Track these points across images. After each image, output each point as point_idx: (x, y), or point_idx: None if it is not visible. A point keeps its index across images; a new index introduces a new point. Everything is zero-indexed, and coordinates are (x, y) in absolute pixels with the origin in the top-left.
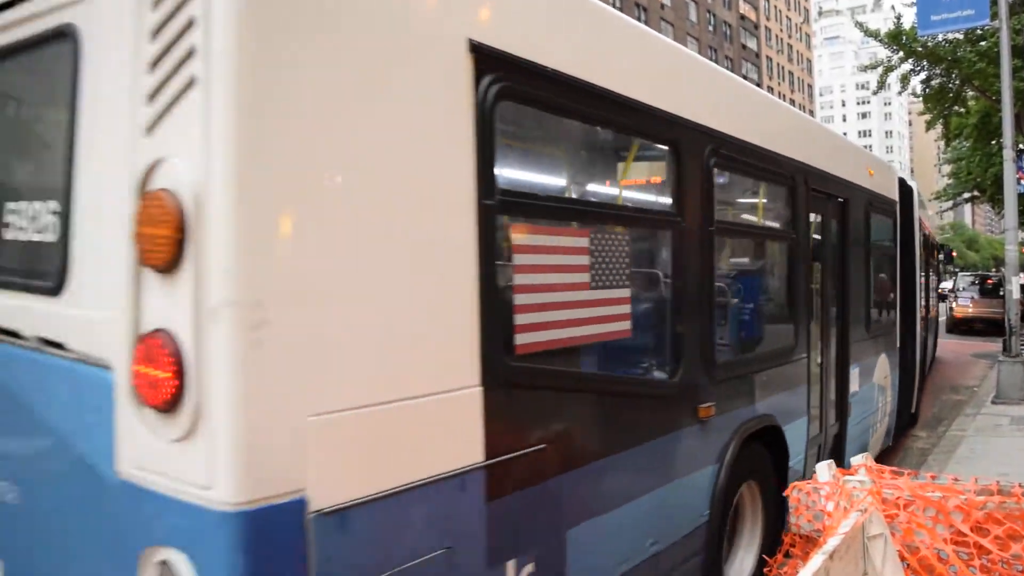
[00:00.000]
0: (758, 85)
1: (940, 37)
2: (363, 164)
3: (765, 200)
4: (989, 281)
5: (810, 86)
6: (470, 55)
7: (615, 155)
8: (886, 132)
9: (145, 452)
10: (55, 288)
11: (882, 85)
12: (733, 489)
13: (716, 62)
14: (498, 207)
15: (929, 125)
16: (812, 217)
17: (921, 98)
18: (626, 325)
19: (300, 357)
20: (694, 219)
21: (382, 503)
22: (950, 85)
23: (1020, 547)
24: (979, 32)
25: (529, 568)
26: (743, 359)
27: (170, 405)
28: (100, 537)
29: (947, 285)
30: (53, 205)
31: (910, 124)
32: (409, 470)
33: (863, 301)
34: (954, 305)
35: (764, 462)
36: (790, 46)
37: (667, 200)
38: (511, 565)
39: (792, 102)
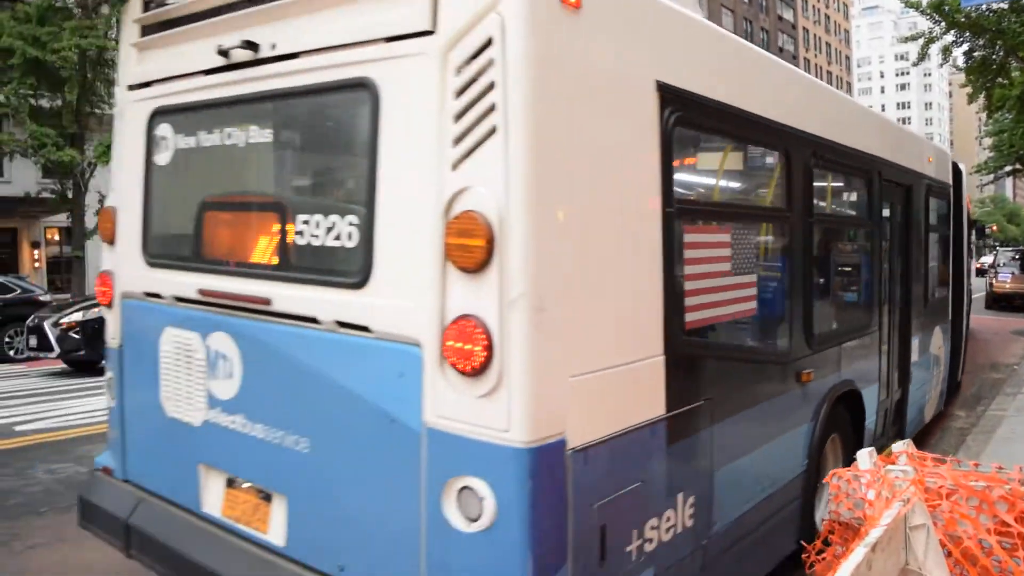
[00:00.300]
0: (794, 57)
1: (984, 7)
2: (598, 187)
3: (850, 192)
4: None
5: (848, 57)
6: (656, 92)
7: (754, 164)
8: (926, 104)
9: (450, 406)
10: (359, 283)
11: (923, 57)
12: (823, 443)
13: (752, 33)
14: (675, 214)
15: (972, 98)
16: (884, 204)
17: (963, 70)
18: (753, 305)
19: (564, 335)
20: (798, 212)
21: (606, 444)
22: (994, 56)
23: None
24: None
25: (691, 500)
26: (833, 332)
27: (478, 371)
28: (406, 475)
29: (986, 260)
30: (352, 219)
31: (950, 96)
32: (622, 419)
33: (923, 279)
34: (993, 281)
35: (845, 421)
36: (827, 16)
37: (781, 197)
38: (680, 498)
39: (829, 74)
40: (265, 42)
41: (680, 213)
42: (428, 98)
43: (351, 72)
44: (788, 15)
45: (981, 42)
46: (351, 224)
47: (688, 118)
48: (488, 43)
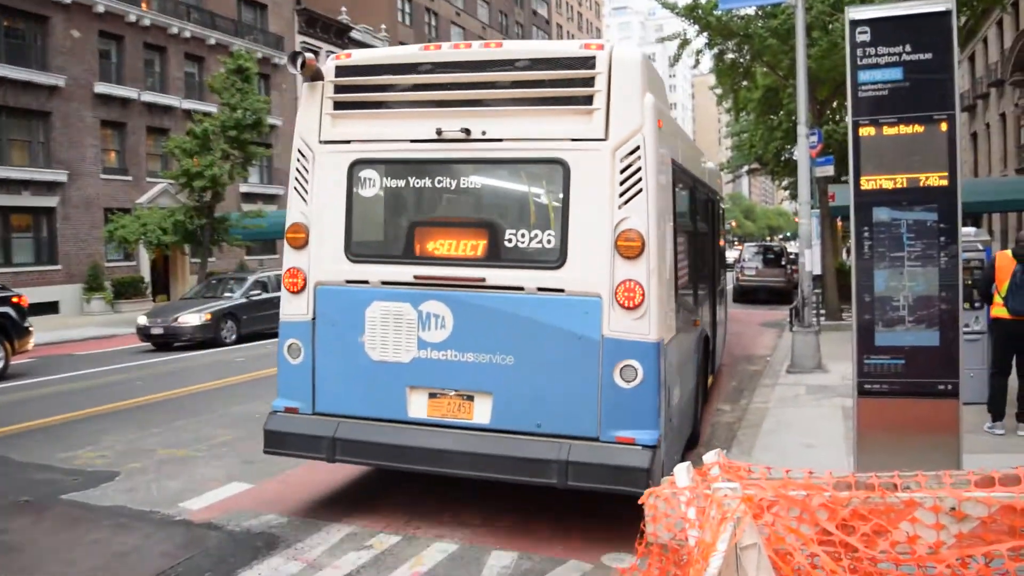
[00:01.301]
0: None
1: (733, 12)
2: (667, 215)
3: (703, 211)
4: (772, 251)
5: None
6: (672, 166)
7: (687, 199)
8: (671, 104)
9: (618, 325)
10: (558, 265)
11: (678, 59)
12: (704, 351)
13: (507, 27)
14: (675, 229)
15: (721, 98)
16: (708, 214)
17: (713, 72)
18: (689, 278)
19: (667, 290)
20: (698, 228)
21: (668, 343)
22: (741, 60)
23: (887, 543)
24: (769, 9)
25: (676, 365)
26: (703, 295)
27: (636, 307)
28: (589, 364)
29: (732, 254)
30: (551, 232)
31: (692, 97)
32: (669, 334)
33: (720, 268)
34: (740, 275)
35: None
36: (580, 14)
37: (692, 217)
38: (676, 362)
39: None
40: (475, 128)
41: (678, 230)
42: (603, 172)
43: (547, 154)
44: (543, 10)
45: (730, 45)
46: (549, 235)
47: (677, 177)
48: (637, 148)
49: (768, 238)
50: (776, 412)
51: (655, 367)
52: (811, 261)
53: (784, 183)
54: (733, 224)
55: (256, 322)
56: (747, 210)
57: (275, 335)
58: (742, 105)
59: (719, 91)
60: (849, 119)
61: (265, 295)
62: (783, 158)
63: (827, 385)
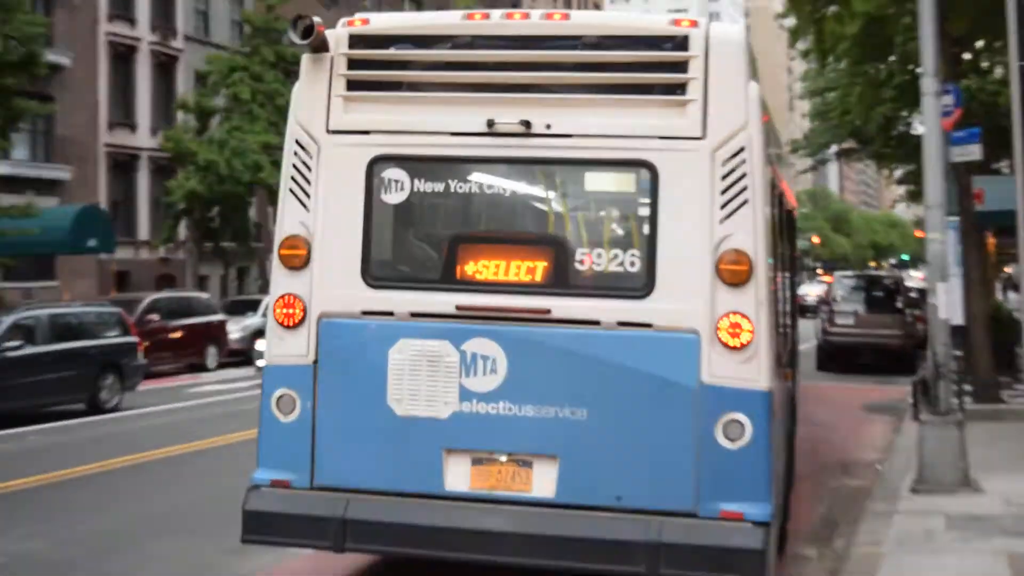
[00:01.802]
0: None
1: None
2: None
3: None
4: (880, 287)
5: None
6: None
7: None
8: None
9: (721, 369)
10: (644, 294)
11: None
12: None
13: None
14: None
15: (794, 35)
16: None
17: None
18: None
19: (771, 336)
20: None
21: (773, 391)
22: None
23: None
24: None
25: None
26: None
27: (743, 346)
28: (684, 418)
29: (808, 290)
30: (634, 251)
31: (747, 30)
32: (775, 382)
33: (794, 304)
34: (828, 326)
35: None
36: None
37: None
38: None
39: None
40: (539, 122)
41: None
42: (701, 178)
43: (630, 154)
44: None
45: None
46: (633, 255)
47: (774, 185)
48: (742, 149)
49: (873, 264)
50: (896, 563)
51: (766, 422)
52: (948, 303)
53: (898, 173)
54: (814, 240)
55: (14, 395)
56: (837, 217)
57: (52, 416)
58: (829, 46)
59: (791, 23)
60: (1013, 64)
61: (31, 349)
62: (895, 132)
63: (982, 515)
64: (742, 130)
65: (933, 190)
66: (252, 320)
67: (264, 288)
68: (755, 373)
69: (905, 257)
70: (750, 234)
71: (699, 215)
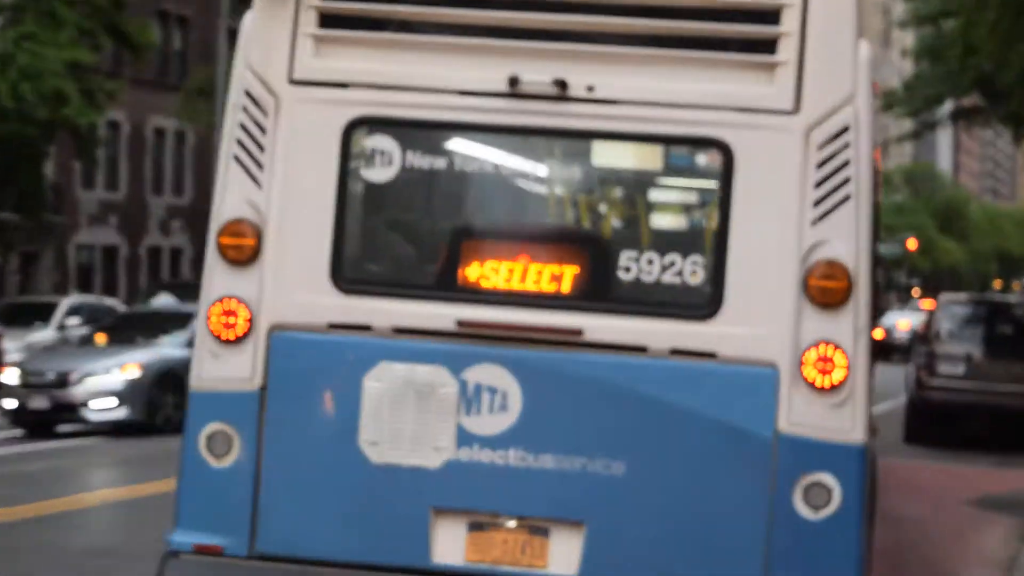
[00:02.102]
0: None
1: None
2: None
3: None
4: (1009, 319)
5: None
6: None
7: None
8: None
9: (805, 415)
10: (708, 313)
11: None
12: None
13: None
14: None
15: None
16: None
17: None
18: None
19: (868, 375)
20: None
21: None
22: None
23: None
24: None
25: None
26: None
27: (835, 387)
28: (754, 477)
29: (903, 320)
30: (696, 258)
31: None
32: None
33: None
34: (925, 376)
35: None
36: None
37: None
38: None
39: None
40: (577, 83)
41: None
42: (791, 166)
43: (696, 130)
44: None
45: None
46: (694, 263)
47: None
48: (846, 129)
49: (997, 285)
50: None
51: (860, 485)
52: None
53: None
54: (909, 246)
55: None
56: (947, 211)
57: None
58: None
59: None
60: None
61: None
62: None
63: None
64: (847, 104)
65: None
66: (41, 335)
67: (62, 287)
68: (849, 422)
69: None
70: (851, 241)
71: (785, 213)
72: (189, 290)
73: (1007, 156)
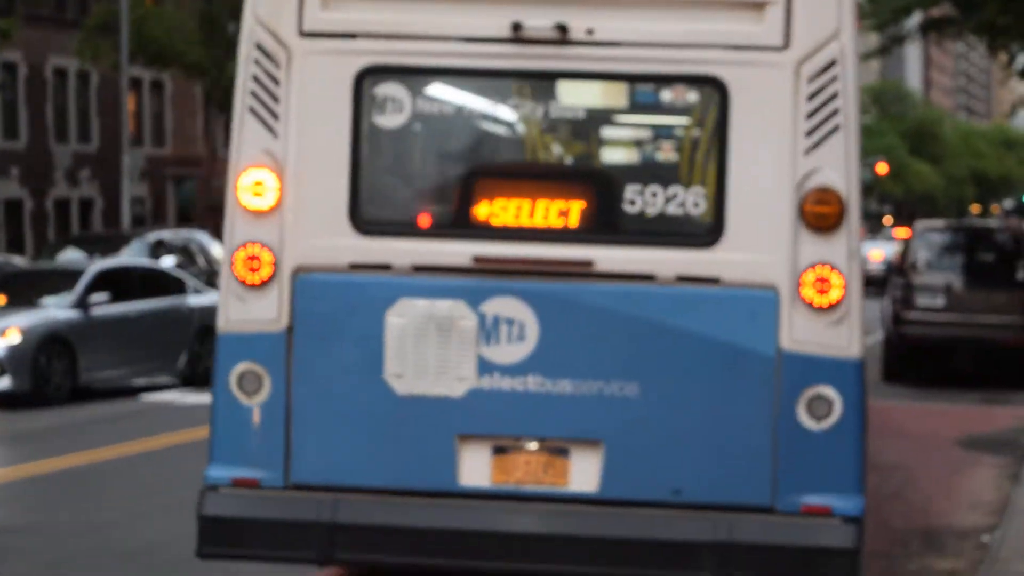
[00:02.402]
0: None
1: None
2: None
3: None
4: (989, 245)
5: None
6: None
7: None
8: None
9: (805, 333)
10: (711, 241)
11: None
12: None
13: None
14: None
15: None
16: None
17: None
18: None
19: (861, 294)
20: None
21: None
22: None
23: None
24: None
25: None
26: None
27: (833, 305)
28: (759, 393)
29: (877, 251)
30: (698, 189)
31: None
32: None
33: None
34: (904, 309)
35: None
36: None
37: None
38: None
39: None
40: (578, 26)
41: None
42: (783, 99)
43: (693, 68)
44: None
45: None
46: (697, 194)
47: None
48: (833, 62)
49: (975, 210)
50: None
51: (859, 397)
52: None
53: (1019, 59)
54: (879, 170)
55: None
56: (919, 131)
57: None
58: None
59: None
60: None
61: None
62: None
63: None
64: (834, 39)
65: None
66: None
67: None
68: (846, 339)
69: None
70: (842, 168)
71: (779, 144)
72: (100, 244)
73: (981, 71)
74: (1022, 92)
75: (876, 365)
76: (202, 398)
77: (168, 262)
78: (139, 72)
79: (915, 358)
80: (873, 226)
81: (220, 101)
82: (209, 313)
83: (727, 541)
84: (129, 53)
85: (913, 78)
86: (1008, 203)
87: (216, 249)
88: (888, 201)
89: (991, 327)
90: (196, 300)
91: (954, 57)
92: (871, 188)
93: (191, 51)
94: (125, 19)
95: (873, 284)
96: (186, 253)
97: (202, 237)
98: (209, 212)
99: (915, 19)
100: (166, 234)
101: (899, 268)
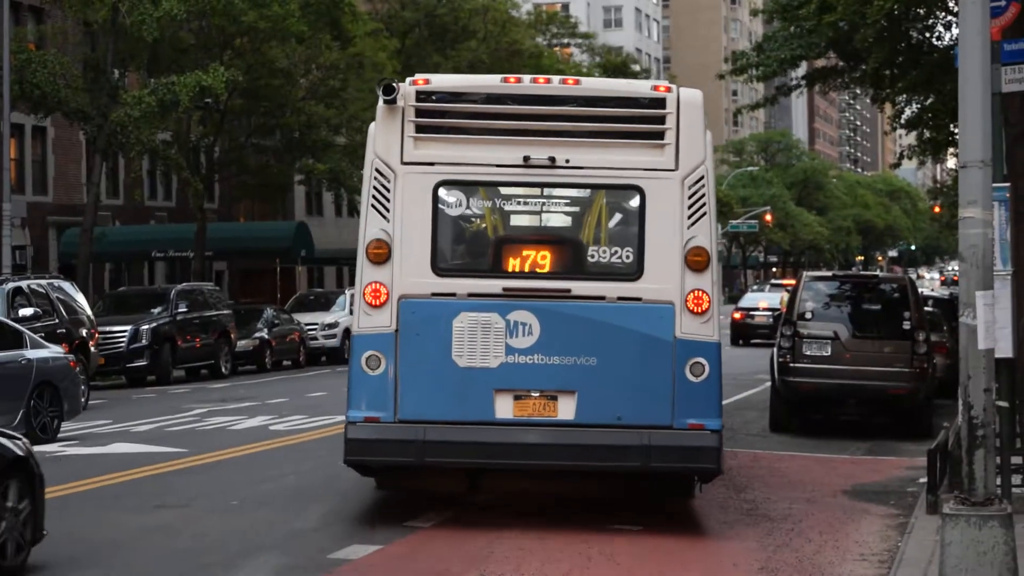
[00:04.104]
0: None
1: None
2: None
3: None
4: (878, 294)
5: None
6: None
7: None
8: None
9: (687, 328)
10: (635, 278)
11: None
12: None
13: None
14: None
15: None
16: None
17: None
18: None
19: (718, 305)
20: None
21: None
22: None
23: None
24: None
25: None
26: None
27: (703, 312)
28: (664, 362)
29: (763, 300)
30: (629, 248)
31: None
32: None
33: None
34: (791, 360)
35: None
36: None
37: None
38: None
39: None
40: (560, 158)
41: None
42: (675, 198)
43: (626, 181)
44: None
45: None
46: (628, 251)
47: None
48: (702, 176)
49: (860, 259)
50: None
51: (718, 363)
52: (991, 324)
53: (908, 110)
54: (766, 219)
55: None
56: (805, 182)
57: None
58: None
59: None
60: None
61: None
62: (903, 43)
63: None
64: (701, 164)
65: (971, 138)
66: None
67: None
68: (711, 331)
69: (908, 245)
70: (708, 236)
71: (673, 223)
72: None
73: (867, 120)
74: (907, 143)
75: (764, 415)
76: (42, 449)
77: (26, 312)
78: (21, 118)
79: (802, 408)
80: (757, 276)
81: (104, 148)
82: (49, 368)
83: (648, 444)
84: (11, 99)
85: (799, 128)
86: (893, 253)
87: (81, 298)
88: (774, 251)
89: (877, 377)
90: (34, 354)
91: (839, 107)
92: (757, 237)
93: (75, 97)
94: (7, 64)
95: (760, 334)
96: (47, 302)
97: (66, 286)
98: (92, 260)
99: (801, 70)
100: (25, 283)
101: (786, 318)
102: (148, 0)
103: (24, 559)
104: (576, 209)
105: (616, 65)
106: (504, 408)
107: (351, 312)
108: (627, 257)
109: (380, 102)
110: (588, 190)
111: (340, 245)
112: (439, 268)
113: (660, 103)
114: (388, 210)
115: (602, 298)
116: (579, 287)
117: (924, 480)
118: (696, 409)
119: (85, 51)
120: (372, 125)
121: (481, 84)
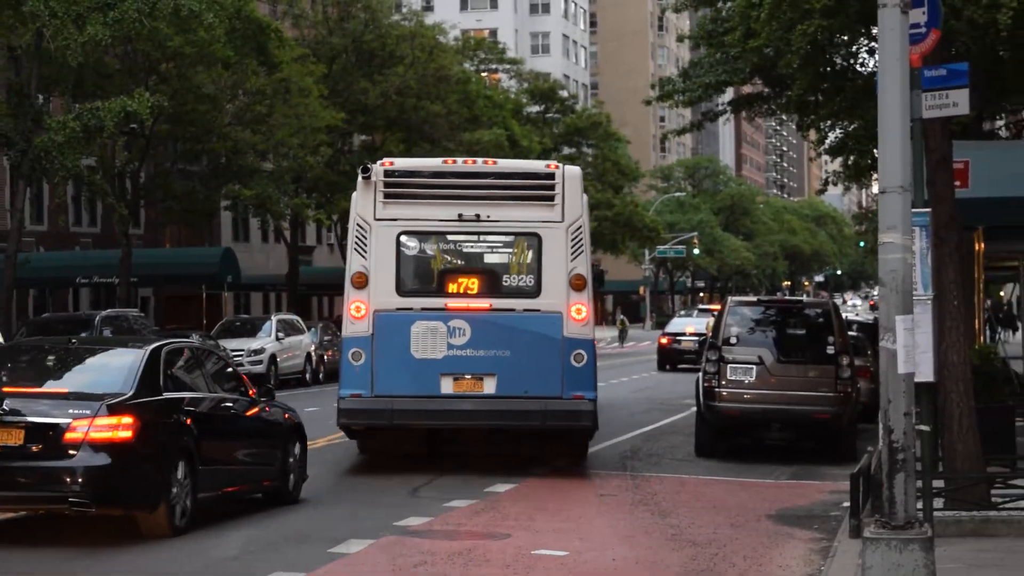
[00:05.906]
0: None
1: None
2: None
3: None
4: (802, 320)
5: None
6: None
7: None
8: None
9: (572, 329)
10: (535, 295)
11: None
12: None
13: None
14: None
15: None
16: None
17: None
18: None
19: (593, 314)
20: None
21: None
22: None
23: None
24: None
25: None
26: None
27: (584, 319)
28: (556, 353)
29: (690, 325)
30: (531, 276)
31: None
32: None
33: None
34: (716, 384)
35: None
36: None
37: None
38: None
39: None
40: (483, 214)
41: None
42: (562, 242)
43: (528, 229)
44: None
45: None
46: (531, 276)
47: None
48: (581, 226)
49: (786, 284)
50: None
51: (593, 354)
52: (911, 349)
53: (828, 135)
54: (693, 244)
55: None
56: (730, 208)
57: None
58: None
59: None
60: None
61: None
62: (827, 70)
63: None
64: (580, 217)
65: (891, 163)
66: None
67: None
68: (589, 332)
69: (834, 271)
70: (585, 266)
71: (560, 259)
72: None
73: (793, 146)
74: (833, 168)
75: (689, 440)
76: None
77: None
78: None
79: (728, 432)
80: (685, 302)
81: (28, 173)
82: None
83: (545, 409)
84: None
85: (726, 154)
86: (818, 278)
87: None
88: (701, 276)
89: (802, 401)
90: None
91: (765, 133)
92: (683, 264)
93: None
94: None
95: (687, 360)
96: None
97: None
98: (16, 286)
99: (728, 96)
100: None
101: (711, 343)
102: (73, 24)
103: (300, 491)
104: (495, 249)
105: (543, 91)
106: (447, 386)
107: (277, 339)
108: (530, 282)
109: (360, 178)
110: (503, 236)
111: (267, 271)
112: (401, 291)
113: (551, 176)
114: (366, 251)
115: (513, 310)
116: (497, 303)
117: (848, 504)
118: (578, 385)
119: (8, 76)
120: (354, 193)
121: (428, 165)
